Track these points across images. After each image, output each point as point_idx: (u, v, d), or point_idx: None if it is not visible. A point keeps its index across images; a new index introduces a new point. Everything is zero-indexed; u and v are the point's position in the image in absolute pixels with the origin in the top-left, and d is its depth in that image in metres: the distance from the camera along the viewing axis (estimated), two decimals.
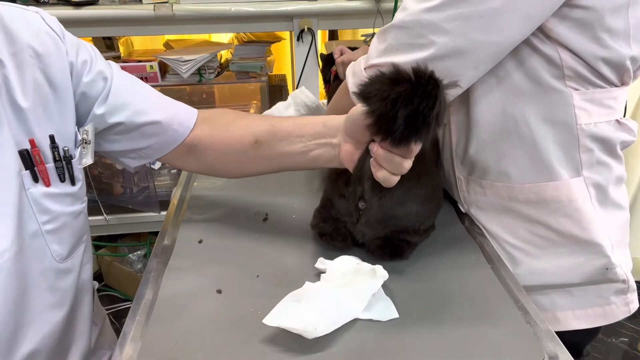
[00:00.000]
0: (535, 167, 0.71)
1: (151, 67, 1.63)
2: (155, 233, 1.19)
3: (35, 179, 0.60)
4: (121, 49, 1.83)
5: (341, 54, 1.02)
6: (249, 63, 1.71)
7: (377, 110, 0.51)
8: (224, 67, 1.79)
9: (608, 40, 0.63)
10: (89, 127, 0.66)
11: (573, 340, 0.72)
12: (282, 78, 2.00)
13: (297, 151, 0.67)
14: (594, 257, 0.73)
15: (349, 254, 0.66)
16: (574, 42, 0.64)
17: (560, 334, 0.58)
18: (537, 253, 0.75)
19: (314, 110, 1.01)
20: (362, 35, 1.78)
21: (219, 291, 0.63)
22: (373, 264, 0.62)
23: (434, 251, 0.72)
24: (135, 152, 0.71)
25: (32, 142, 0.59)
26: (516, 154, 0.72)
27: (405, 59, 0.65)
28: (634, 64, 0.67)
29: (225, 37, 2.08)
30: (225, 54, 1.88)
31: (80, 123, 0.66)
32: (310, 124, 0.67)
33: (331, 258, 0.65)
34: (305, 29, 1.57)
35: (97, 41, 1.79)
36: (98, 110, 0.65)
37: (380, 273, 0.59)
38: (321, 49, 1.66)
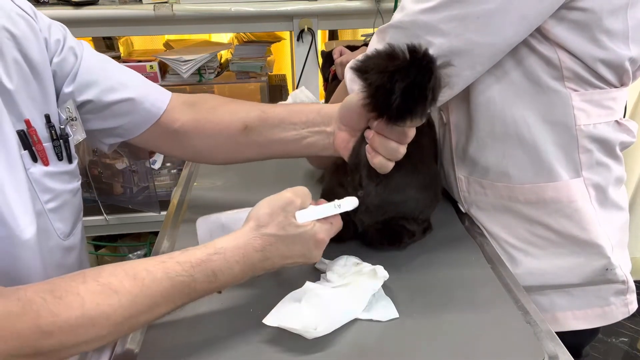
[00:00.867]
0: (535, 168, 0.71)
1: (151, 67, 1.63)
2: (155, 233, 1.19)
3: (34, 159, 0.60)
4: (121, 49, 1.83)
5: (340, 55, 1.02)
6: (249, 63, 1.71)
7: (374, 83, 0.52)
8: (224, 67, 1.79)
9: (606, 41, 0.63)
10: (69, 104, 0.65)
11: (572, 341, 0.72)
12: (282, 78, 2.00)
13: (289, 138, 0.67)
14: (594, 257, 0.73)
15: (349, 255, 0.66)
16: (572, 44, 0.64)
17: (560, 335, 0.58)
18: (537, 253, 0.75)
19: None
20: (362, 35, 1.79)
21: (219, 291, 0.63)
22: (372, 261, 0.62)
23: (434, 251, 0.72)
24: (108, 131, 0.71)
25: (27, 122, 0.59)
26: (516, 154, 0.72)
27: None
28: (633, 65, 0.67)
29: (225, 37, 2.08)
30: (225, 54, 1.88)
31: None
32: (303, 111, 0.67)
33: (331, 258, 0.65)
34: (305, 29, 1.57)
35: (97, 41, 1.79)
36: (67, 88, 0.65)
37: (380, 274, 0.59)
38: (321, 49, 1.66)
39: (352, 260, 0.64)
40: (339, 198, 0.61)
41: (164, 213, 1.62)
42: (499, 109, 0.70)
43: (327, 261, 0.64)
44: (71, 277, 0.49)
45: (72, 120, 0.65)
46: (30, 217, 0.58)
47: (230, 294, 0.62)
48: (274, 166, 0.78)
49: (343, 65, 0.95)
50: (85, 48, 0.67)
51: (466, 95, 0.73)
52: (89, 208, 1.69)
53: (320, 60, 1.22)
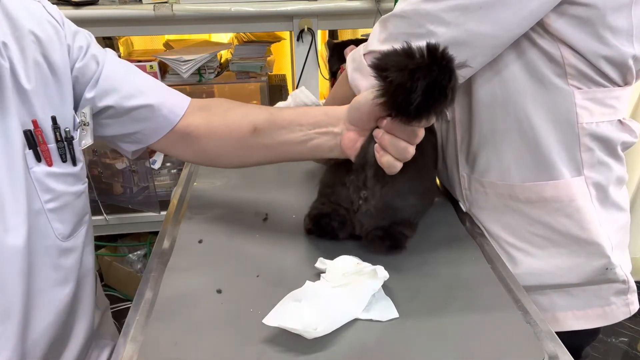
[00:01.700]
0: (537, 166, 0.71)
1: (151, 67, 1.63)
2: (155, 233, 1.19)
3: (38, 159, 0.62)
4: (121, 49, 1.83)
5: None
6: (249, 63, 1.71)
7: (395, 80, 0.51)
8: (224, 67, 1.79)
9: (610, 38, 0.63)
10: (86, 110, 0.67)
11: (573, 341, 0.72)
12: (282, 78, 2.00)
13: (296, 140, 0.67)
14: (594, 257, 0.73)
15: (349, 255, 0.66)
16: (574, 39, 0.63)
17: (560, 335, 0.58)
18: (537, 253, 0.75)
19: None
20: (362, 35, 1.78)
21: (219, 291, 0.63)
22: (372, 261, 0.62)
23: (434, 251, 0.71)
24: (126, 137, 0.72)
25: (34, 122, 0.61)
26: (517, 151, 0.72)
27: None
28: (637, 64, 0.67)
29: (225, 37, 2.08)
30: (225, 54, 1.88)
31: (74, 108, 0.67)
32: (311, 113, 0.67)
33: (331, 258, 0.65)
34: (305, 29, 1.57)
35: (97, 41, 1.78)
36: (89, 94, 0.67)
37: (381, 274, 0.59)
38: (321, 49, 1.66)
39: (352, 260, 0.64)
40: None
41: (164, 213, 1.62)
42: (500, 105, 0.70)
43: (327, 261, 0.64)
44: None
45: (84, 125, 0.67)
46: (22, 217, 0.59)
47: (230, 294, 0.62)
48: (274, 166, 0.78)
49: None
50: (109, 55, 0.70)
51: (469, 90, 0.73)
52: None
53: (325, 55, 1.20)
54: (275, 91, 1.85)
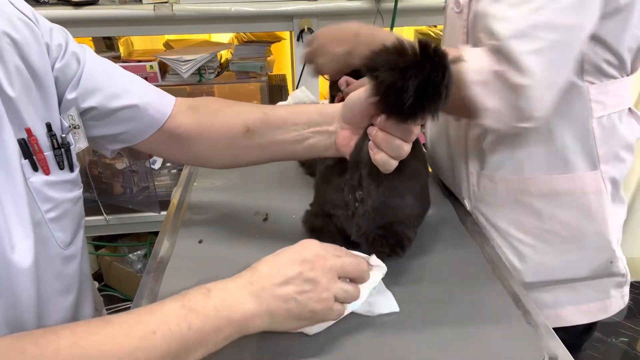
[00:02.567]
0: (551, 160, 0.72)
1: (151, 67, 1.63)
2: (155, 233, 1.19)
3: (35, 168, 0.59)
4: (121, 49, 1.83)
5: (347, 85, 0.99)
6: (249, 63, 1.71)
7: (385, 80, 0.49)
8: (224, 67, 1.79)
9: (637, 26, 0.64)
10: (73, 112, 0.64)
11: (570, 340, 0.72)
12: (282, 78, 2.00)
13: (291, 139, 0.66)
14: (601, 250, 0.74)
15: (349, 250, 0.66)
16: (607, 32, 0.63)
17: (559, 333, 0.58)
18: (544, 248, 0.76)
19: None
20: None
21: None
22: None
23: (434, 251, 0.72)
24: (111, 137, 0.69)
25: (28, 131, 0.58)
26: (532, 147, 0.72)
27: None
28: None
29: (225, 37, 2.08)
30: (225, 54, 1.88)
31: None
32: (305, 112, 0.66)
33: None
34: (305, 29, 1.57)
35: (97, 41, 1.79)
36: (70, 95, 0.63)
37: (380, 265, 0.59)
38: None
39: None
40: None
41: (164, 213, 1.63)
42: None
43: None
44: None
45: (75, 128, 0.64)
46: (27, 230, 0.57)
47: None
48: (274, 166, 0.78)
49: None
50: (88, 52, 0.66)
51: None
52: (89, 208, 1.69)
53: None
54: (275, 91, 1.85)
